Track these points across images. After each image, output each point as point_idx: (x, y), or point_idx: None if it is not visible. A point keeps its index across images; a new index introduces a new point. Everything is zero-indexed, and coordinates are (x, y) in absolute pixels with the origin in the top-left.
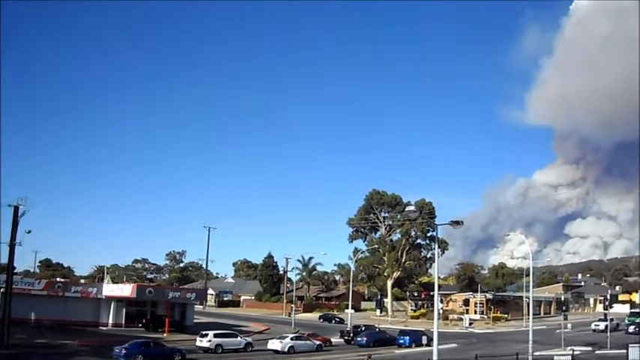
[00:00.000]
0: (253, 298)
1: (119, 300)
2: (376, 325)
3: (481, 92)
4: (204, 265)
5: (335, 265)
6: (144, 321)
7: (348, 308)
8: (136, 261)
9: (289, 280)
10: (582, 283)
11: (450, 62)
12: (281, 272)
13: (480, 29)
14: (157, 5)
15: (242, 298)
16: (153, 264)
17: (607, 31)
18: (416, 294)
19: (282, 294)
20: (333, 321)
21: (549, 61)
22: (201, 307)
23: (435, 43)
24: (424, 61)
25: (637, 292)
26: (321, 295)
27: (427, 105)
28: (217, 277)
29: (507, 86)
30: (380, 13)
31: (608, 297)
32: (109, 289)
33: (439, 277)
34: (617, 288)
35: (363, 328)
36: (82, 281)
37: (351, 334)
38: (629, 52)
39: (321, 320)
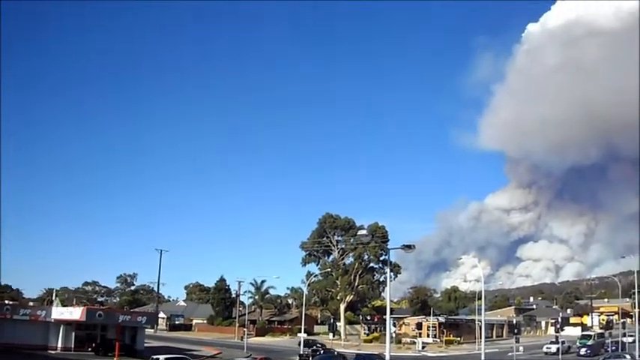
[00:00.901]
0: (205, 321)
1: (69, 323)
2: (334, 349)
3: (434, 117)
4: (155, 288)
5: (288, 288)
6: (93, 345)
7: (300, 332)
8: (86, 284)
9: (242, 303)
10: (534, 306)
11: (403, 87)
12: (233, 296)
13: (433, 54)
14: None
15: (194, 321)
16: (103, 287)
17: (558, 60)
18: (369, 317)
19: (235, 318)
20: (315, 347)
21: (501, 87)
22: (152, 330)
23: (388, 68)
24: (378, 85)
25: (588, 314)
26: (273, 318)
27: (381, 129)
28: (169, 301)
29: (460, 111)
30: (334, 40)
31: (560, 320)
32: (59, 313)
33: (392, 301)
34: (569, 311)
35: (321, 352)
36: (31, 304)
37: (310, 358)
38: (579, 81)
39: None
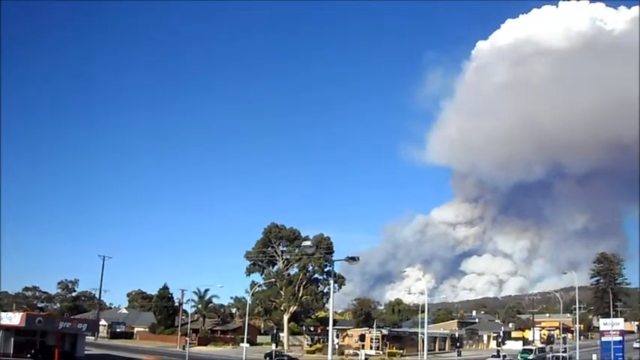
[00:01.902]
0: (147, 329)
1: (7, 329)
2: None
3: (383, 130)
4: (97, 295)
5: (231, 298)
6: (33, 351)
7: (243, 342)
8: (26, 289)
9: (184, 312)
10: (477, 320)
11: (352, 98)
12: (176, 304)
13: (384, 67)
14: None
15: (135, 329)
16: (44, 292)
17: (506, 77)
18: (312, 329)
19: (177, 326)
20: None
21: (450, 102)
22: (93, 338)
23: (338, 80)
24: (327, 96)
25: (530, 329)
26: (216, 328)
27: (330, 141)
28: (111, 308)
29: (408, 125)
30: (284, 54)
31: (502, 334)
32: None
33: (336, 312)
34: (511, 325)
35: None
36: None
37: None
38: (526, 99)
39: (267, 358)
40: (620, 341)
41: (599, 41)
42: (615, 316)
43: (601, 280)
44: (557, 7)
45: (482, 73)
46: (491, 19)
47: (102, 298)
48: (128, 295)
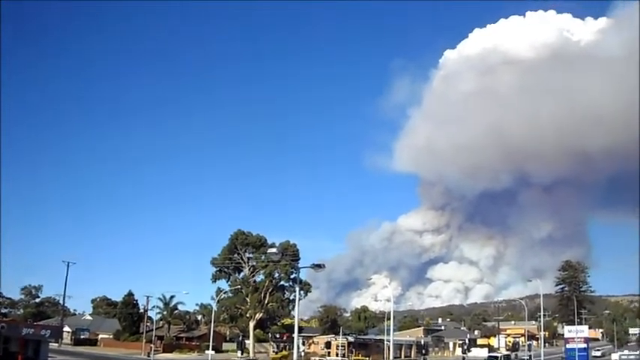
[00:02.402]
0: (112, 336)
1: None
2: None
3: (350, 138)
4: (61, 301)
5: (197, 304)
6: None
7: (209, 349)
8: None
9: (149, 319)
10: (443, 327)
11: (319, 106)
12: (141, 311)
13: (351, 75)
14: None
15: (100, 336)
16: (7, 298)
17: (473, 86)
18: (278, 336)
19: (142, 333)
20: None
21: (417, 110)
22: (56, 344)
23: (305, 87)
24: (294, 104)
25: (495, 336)
26: (182, 335)
27: (296, 148)
28: (75, 314)
29: (376, 133)
30: (249, 60)
31: (467, 341)
32: None
33: (302, 319)
34: (476, 332)
35: None
36: None
37: None
38: (492, 107)
39: None
40: (584, 348)
41: (565, 52)
42: (580, 323)
43: (566, 288)
44: (524, 17)
45: (449, 81)
46: (459, 29)
47: (66, 304)
48: (92, 301)
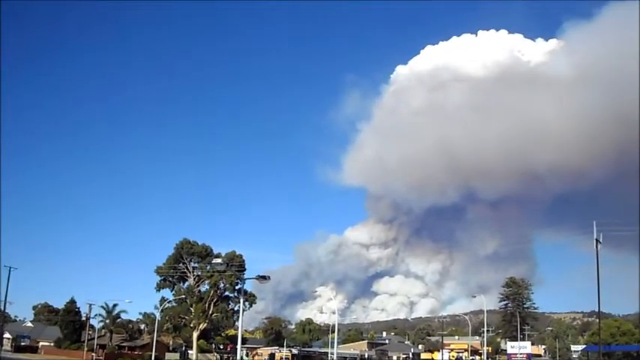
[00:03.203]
0: (53, 344)
1: None
2: None
3: (299, 150)
4: (1, 307)
5: (140, 313)
6: None
7: (151, 359)
8: None
9: (91, 327)
10: (387, 341)
11: (268, 118)
12: (83, 318)
13: (302, 88)
14: None
15: (41, 343)
16: None
17: (423, 102)
18: (222, 346)
19: (84, 341)
20: None
21: (367, 125)
22: None
23: (255, 97)
24: (243, 114)
25: (439, 351)
26: (124, 344)
27: (245, 159)
28: (15, 321)
29: (326, 146)
30: (199, 75)
31: (411, 355)
32: None
33: (247, 331)
34: (420, 346)
35: None
36: None
37: None
38: (441, 124)
39: None
40: None
41: (515, 71)
42: (523, 339)
43: (509, 304)
44: (476, 35)
45: (400, 97)
46: (411, 45)
47: (6, 311)
48: (34, 308)
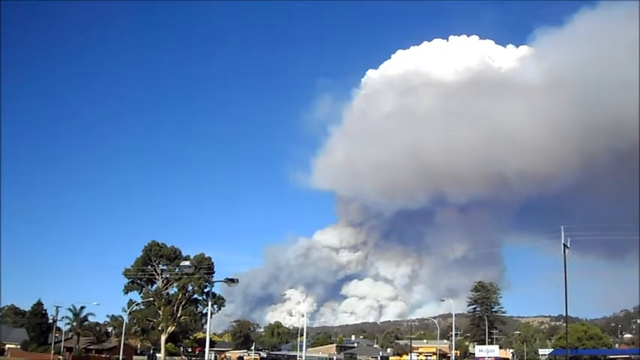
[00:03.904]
0: (19, 346)
1: None
2: None
3: (270, 153)
4: None
5: (108, 316)
6: None
7: None
8: None
9: (58, 329)
10: (355, 344)
11: (239, 120)
12: (50, 321)
13: (274, 91)
14: None
15: (7, 346)
16: None
17: (394, 107)
18: (190, 350)
19: (51, 344)
20: None
21: (338, 128)
22: None
23: (224, 101)
24: (214, 118)
25: (407, 354)
26: (91, 347)
27: (214, 161)
28: None
29: (296, 149)
30: (171, 69)
31: (379, 358)
32: None
33: (215, 334)
34: (389, 350)
35: None
36: None
37: None
38: (412, 128)
39: None
40: None
41: (485, 77)
42: (491, 343)
43: (478, 308)
44: (447, 41)
45: (370, 101)
46: (382, 50)
47: None
48: (0, 310)
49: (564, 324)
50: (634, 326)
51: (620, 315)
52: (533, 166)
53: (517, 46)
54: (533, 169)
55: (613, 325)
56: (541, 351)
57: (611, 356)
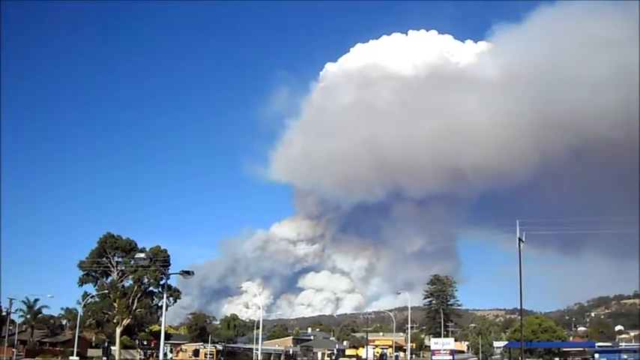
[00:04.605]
0: None
1: None
2: None
3: (228, 145)
4: None
5: (62, 309)
6: None
7: (73, 355)
8: None
9: (12, 322)
10: (312, 337)
11: (195, 113)
12: (3, 314)
13: (231, 83)
14: None
15: None
16: None
17: (352, 100)
18: (145, 342)
19: (4, 337)
20: None
21: (295, 121)
22: None
23: (182, 92)
24: (171, 109)
25: (364, 347)
26: (45, 340)
27: (171, 154)
28: None
29: (254, 142)
30: (127, 61)
31: (336, 351)
32: None
33: (171, 326)
34: (345, 343)
35: None
36: None
37: None
38: (369, 121)
39: None
40: None
41: (443, 71)
42: (446, 335)
43: (434, 301)
44: (406, 35)
45: (328, 94)
46: (341, 43)
47: None
48: None
49: (519, 317)
50: (588, 319)
51: (574, 308)
52: (490, 160)
53: (475, 42)
54: (490, 164)
55: (567, 318)
56: (496, 343)
57: (565, 349)
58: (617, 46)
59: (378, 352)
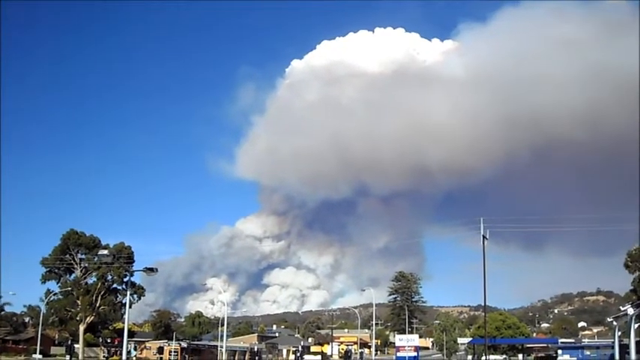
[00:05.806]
0: None
1: None
2: None
3: (192, 141)
4: None
5: (25, 306)
6: None
7: (36, 353)
8: None
9: None
10: (277, 334)
11: (161, 110)
12: None
13: (196, 80)
14: None
15: None
16: None
17: (317, 96)
18: (109, 340)
19: None
20: None
21: (261, 118)
22: None
23: (150, 88)
24: (134, 103)
25: (329, 344)
26: (8, 337)
27: (134, 150)
28: None
29: (219, 138)
30: (89, 55)
31: (301, 348)
32: None
33: (135, 324)
34: (310, 339)
35: None
36: None
37: None
38: (335, 118)
39: None
40: (414, 357)
41: (410, 69)
42: (411, 332)
43: (398, 298)
44: (373, 33)
45: (294, 91)
46: (307, 40)
47: None
48: None
49: (483, 313)
50: (551, 316)
51: (538, 305)
52: (455, 158)
53: (442, 41)
54: (455, 162)
55: (531, 314)
56: (460, 340)
57: (528, 345)
58: (581, 47)
59: (343, 349)
